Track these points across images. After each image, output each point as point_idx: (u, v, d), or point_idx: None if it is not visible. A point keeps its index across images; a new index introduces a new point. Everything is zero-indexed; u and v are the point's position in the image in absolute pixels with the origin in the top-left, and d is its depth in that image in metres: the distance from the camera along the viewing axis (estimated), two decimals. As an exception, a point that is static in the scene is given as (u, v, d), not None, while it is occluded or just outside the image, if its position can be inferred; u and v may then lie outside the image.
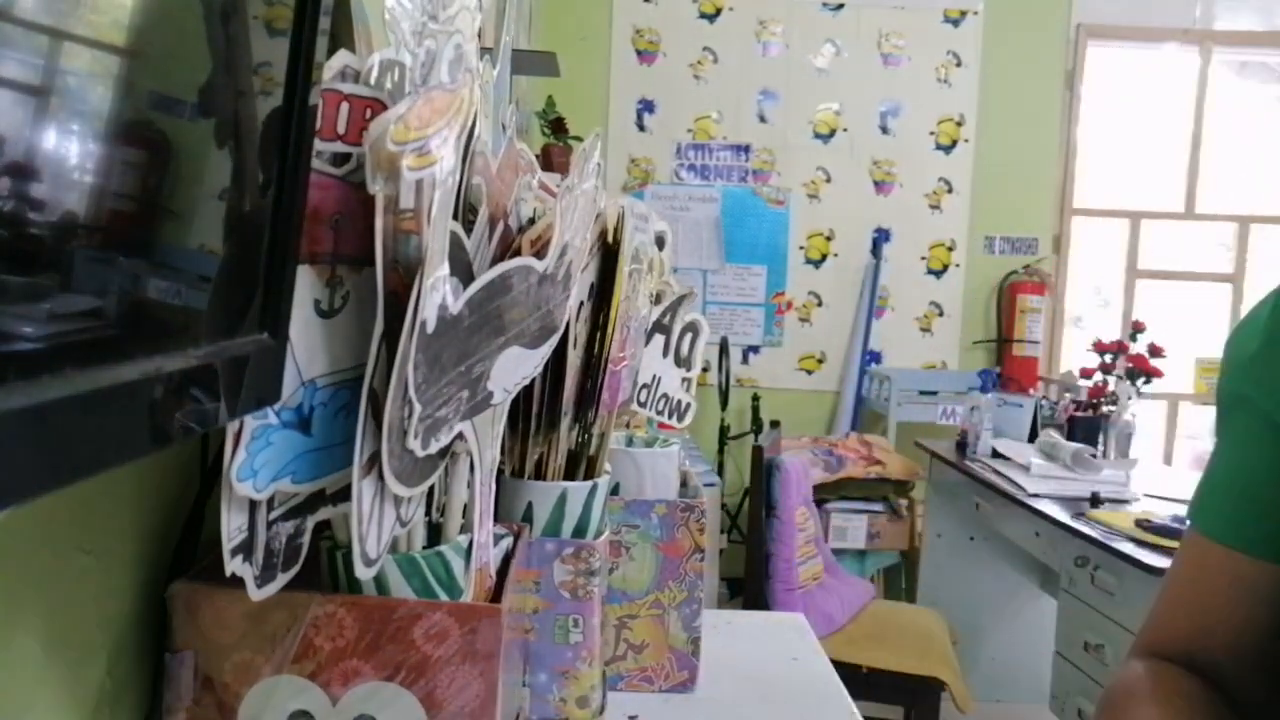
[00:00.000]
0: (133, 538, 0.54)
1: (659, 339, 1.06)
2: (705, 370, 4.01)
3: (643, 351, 0.94)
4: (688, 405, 1.12)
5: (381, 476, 0.47)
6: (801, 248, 4.18)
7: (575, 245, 0.65)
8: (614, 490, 0.93)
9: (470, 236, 0.58)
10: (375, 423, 0.46)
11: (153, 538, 0.56)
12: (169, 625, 0.56)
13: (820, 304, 4.18)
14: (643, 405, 1.05)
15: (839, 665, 2.11)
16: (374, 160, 0.40)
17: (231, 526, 0.42)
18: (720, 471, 3.83)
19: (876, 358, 4.16)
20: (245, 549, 0.44)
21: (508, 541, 0.72)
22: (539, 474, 0.78)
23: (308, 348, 0.46)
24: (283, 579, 0.48)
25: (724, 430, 3.88)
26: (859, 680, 2.17)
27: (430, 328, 0.47)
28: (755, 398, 3.99)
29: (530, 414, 0.71)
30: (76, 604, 0.51)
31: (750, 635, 1.10)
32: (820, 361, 4.19)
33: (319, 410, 0.48)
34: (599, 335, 0.75)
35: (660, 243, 1.05)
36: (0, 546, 0.43)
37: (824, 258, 4.18)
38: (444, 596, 0.60)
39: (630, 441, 1.02)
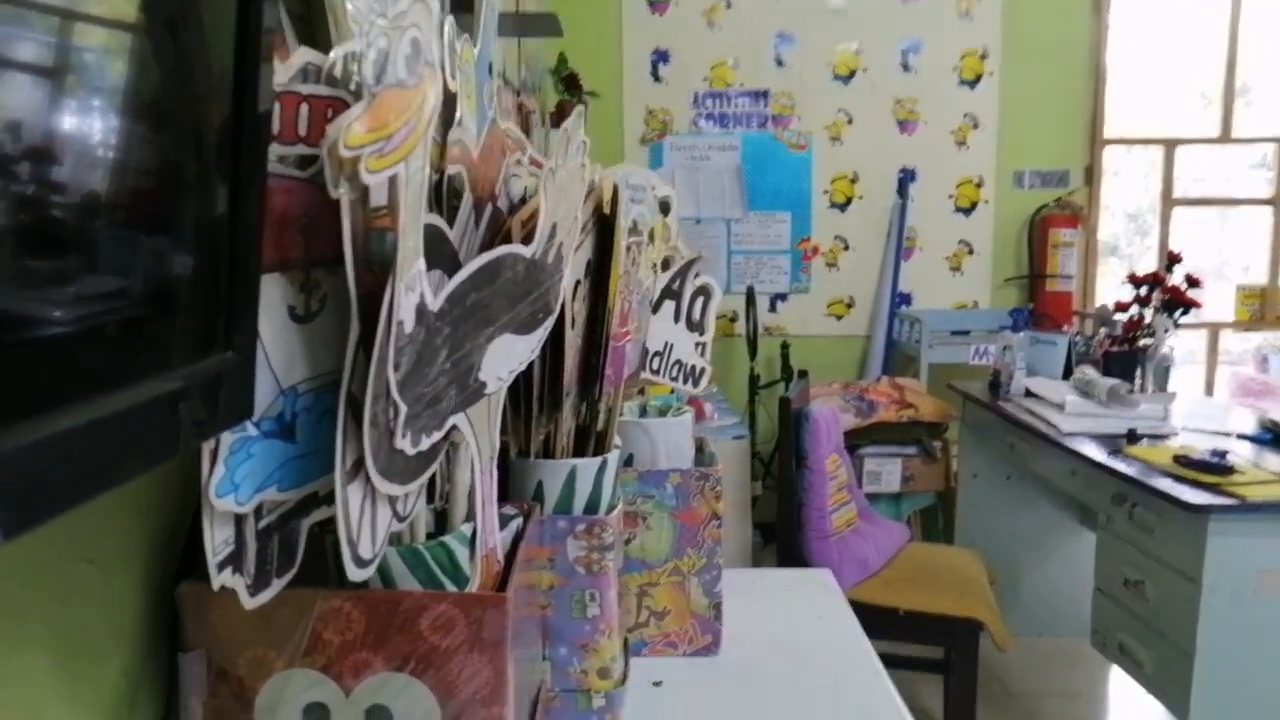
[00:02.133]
0: (136, 545, 0.55)
1: (669, 305, 1.05)
2: (733, 320, 4.00)
3: (649, 321, 0.93)
4: (702, 370, 1.11)
5: (369, 479, 0.47)
6: (825, 192, 4.11)
7: (565, 226, 0.63)
8: (628, 461, 0.93)
9: (454, 225, 0.57)
10: (357, 426, 0.45)
11: (157, 544, 0.57)
12: (180, 626, 0.57)
13: (847, 248, 4.13)
14: (655, 373, 1.04)
15: (876, 610, 2.12)
16: (332, 165, 0.39)
17: (217, 541, 0.42)
18: (752, 421, 3.82)
19: (906, 300, 4.11)
20: (234, 560, 0.44)
21: (518, 522, 0.72)
22: (547, 452, 0.78)
23: (285, 355, 0.46)
24: (278, 584, 0.48)
25: (754, 380, 3.86)
26: (897, 623, 2.17)
27: (408, 327, 0.47)
28: (784, 346, 3.97)
29: (531, 396, 0.71)
30: (84, 613, 0.52)
31: (776, 594, 1.10)
32: (849, 306, 4.14)
33: (302, 416, 0.48)
34: (599, 312, 0.74)
35: (665, 207, 1.04)
36: (5, 562, 0.44)
37: (849, 201, 4.12)
38: (450, 585, 0.60)
39: (644, 411, 1.02)
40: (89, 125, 0.31)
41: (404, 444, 0.50)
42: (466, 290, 0.52)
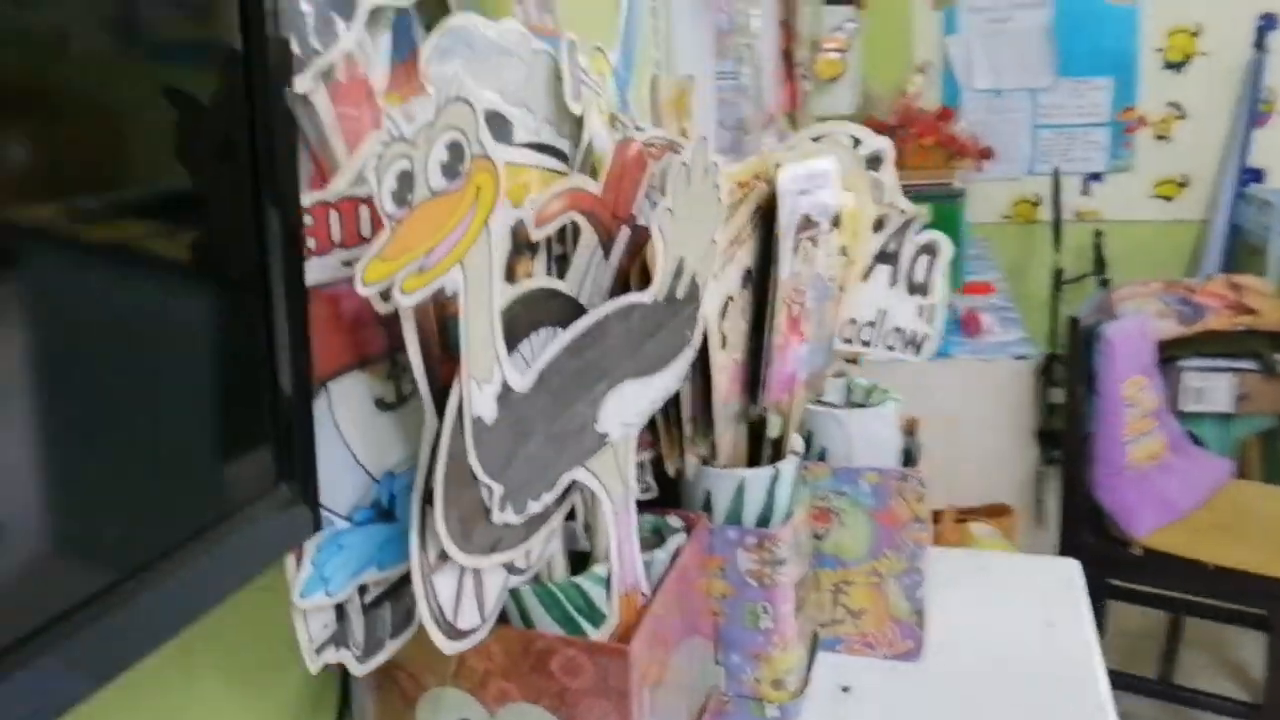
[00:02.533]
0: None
1: (882, 270, 0.96)
2: (1035, 204, 3.63)
3: (834, 312, 0.85)
4: (926, 336, 1.01)
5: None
6: (1158, 50, 3.53)
7: (698, 255, 0.58)
8: (821, 455, 0.88)
9: (570, 271, 0.55)
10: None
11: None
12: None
13: (1182, 116, 3.54)
14: (867, 345, 0.96)
15: (1178, 561, 1.89)
16: (368, 292, 0.38)
17: (312, 630, 0.45)
18: (1054, 322, 3.48)
19: (1257, 176, 3.48)
20: (335, 639, 0.47)
21: (679, 539, 0.70)
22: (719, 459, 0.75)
23: (375, 445, 0.47)
24: (394, 644, 0.50)
25: (1057, 275, 3.49)
26: (1204, 579, 1.92)
27: (489, 420, 0.46)
28: (1097, 234, 3.53)
29: (682, 418, 0.68)
30: (266, 631, 0.58)
31: (1006, 587, 1.00)
32: (1182, 186, 3.59)
33: (401, 496, 0.48)
34: (762, 320, 0.69)
35: (876, 161, 0.93)
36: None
37: (1187, 59, 3.51)
38: (586, 624, 0.61)
39: (849, 391, 0.95)
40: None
41: (507, 516, 0.50)
42: (564, 361, 0.50)
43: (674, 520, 0.75)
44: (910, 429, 0.94)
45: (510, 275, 0.53)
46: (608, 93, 0.62)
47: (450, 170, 0.39)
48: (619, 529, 0.60)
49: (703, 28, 1.61)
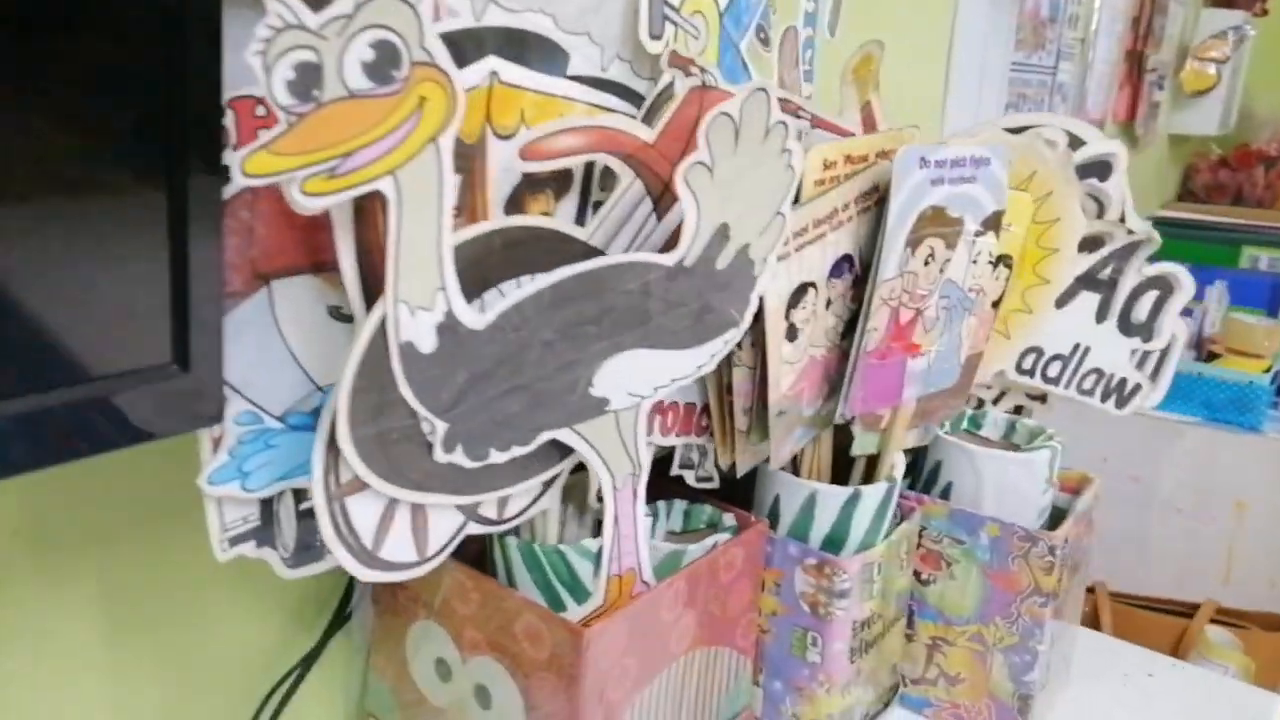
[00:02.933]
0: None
1: (1088, 298, 0.81)
2: None
3: (982, 329, 0.72)
4: (1136, 388, 0.84)
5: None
6: None
7: (754, 227, 0.51)
8: (944, 492, 0.76)
9: (599, 219, 0.50)
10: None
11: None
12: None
13: None
14: (1052, 382, 0.82)
15: None
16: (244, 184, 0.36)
17: (225, 519, 0.45)
18: None
19: None
20: (259, 538, 0.47)
21: (722, 537, 0.64)
22: (795, 468, 0.68)
23: (322, 353, 0.46)
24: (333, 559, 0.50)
25: None
26: None
27: (424, 347, 0.43)
28: None
29: (735, 409, 0.61)
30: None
31: (1163, 708, 0.83)
32: None
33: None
34: (862, 318, 0.60)
35: (1105, 169, 0.78)
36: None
37: None
38: (568, 598, 0.57)
39: (1011, 430, 0.81)
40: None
41: (456, 458, 0.47)
42: (541, 309, 0.46)
43: (729, 518, 0.69)
44: (1077, 488, 0.79)
45: (520, 209, 0.49)
46: (705, 38, 0.56)
47: (378, 72, 0.37)
48: (618, 505, 0.56)
49: (1001, 8, 1.45)
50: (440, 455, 0.47)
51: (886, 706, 0.76)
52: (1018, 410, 0.91)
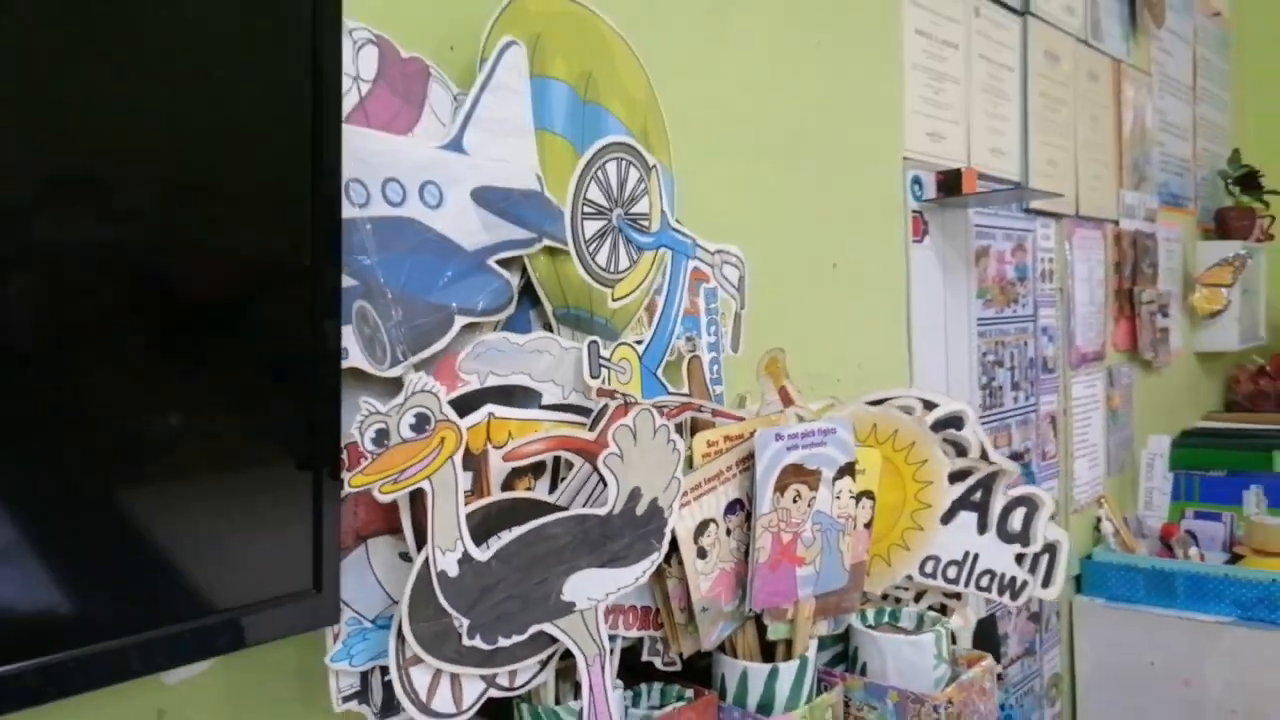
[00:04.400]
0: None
1: (967, 516, 1.08)
2: None
3: (856, 544, 1.00)
4: (1024, 583, 1.09)
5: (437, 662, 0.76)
6: None
7: (657, 487, 0.83)
8: (863, 669, 1.01)
9: (563, 487, 0.83)
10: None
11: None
12: None
13: None
14: (953, 582, 1.08)
15: None
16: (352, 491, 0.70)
17: (340, 684, 0.76)
18: None
19: None
20: (359, 697, 0.78)
21: (680, 705, 0.91)
22: (734, 652, 0.95)
23: (394, 581, 0.79)
24: (420, 716, 0.79)
25: None
26: None
27: (452, 573, 0.75)
28: None
29: (672, 609, 0.90)
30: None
31: None
32: None
33: (416, 616, 0.79)
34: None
35: (958, 421, 1.08)
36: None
37: None
38: (559, 749, 0.85)
39: (922, 622, 1.06)
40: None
41: (476, 643, 0.78)
42: (520, 545, 0.78)
43: (690, 693, 0.96)
44: (970, 663, 1.03)
45: (511, 488, 0.83)
46: (631, 374, 0.91)
47: (419, 428, 0.72)
48: (591, 677, 0.84)
49: (953, 282, 1.79)
50: (466, 641, 0.77)
51: None
52: (942, 609, 1.15)
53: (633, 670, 0.95)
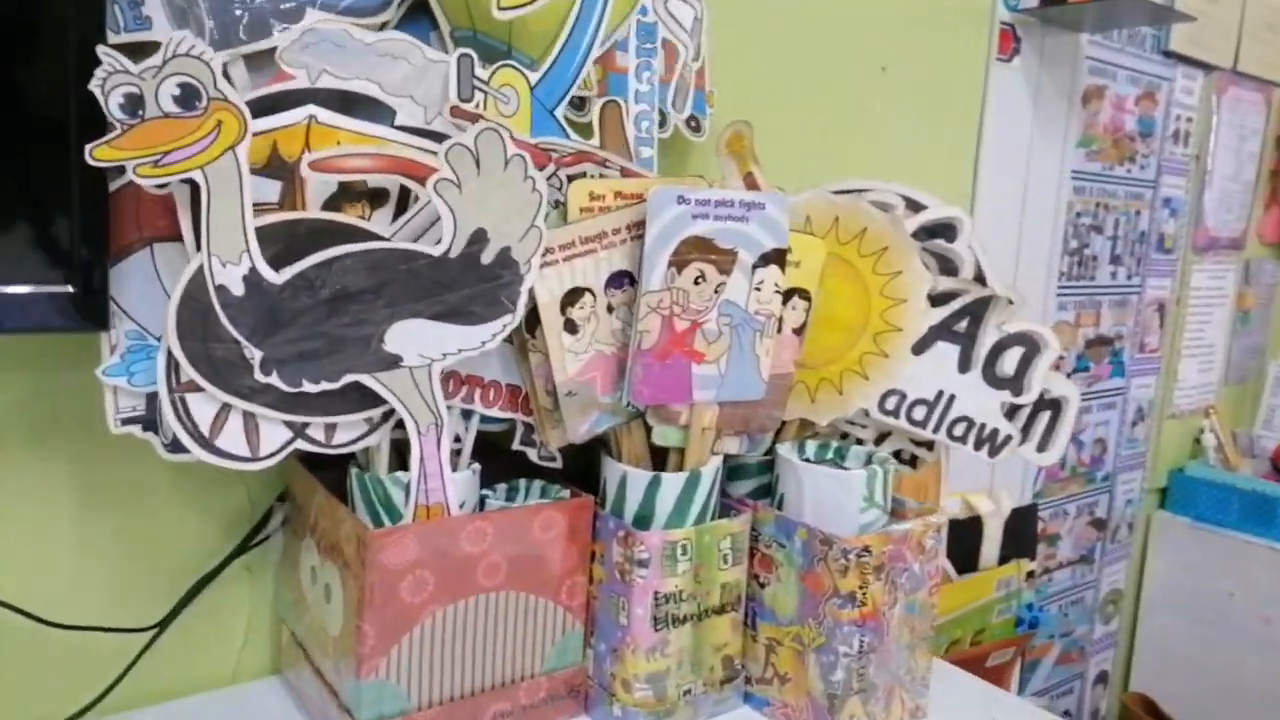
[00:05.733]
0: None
1: (947, 349, 0.89)
2: None
3: (773, 348, 0.83)
4: (1007, 438, 0.90)
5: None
6: None
7: (508, 233, 0.69)
8: (779, 501, 0.86)
9: (403, 221, 0.70)
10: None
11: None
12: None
13: None
14: (919, 424, 0.90)
15: None
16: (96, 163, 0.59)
17: (118, 404, 0.68)
18: None
19: None
20: (143, 422, 0.69)
21: (541, 502, 0.79)
22: (618, 454, 0.82)
23: (191, 299, 0.68)
24: (200, 452, 0.70)
25: None
26: None
27: (236, 291, 0.64)
28: None
29: (537, 392, 0.77)
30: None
31: None
32: None
33: (215, 344, 0.69)
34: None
35: (950, 230, 0.88)
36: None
37: None
38: (386, 519, 0.74)
39: (836, 453, 0.89)
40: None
41: (274, 381, 0.67)
42: (324, 274, 0.66)
43: (564, 492, 0.84)
44: (911, 515, 0.86)
45: (339, 211, 0.70)
46: (516, 104, 0.75)
47: (185, 103, 0.59)
48: (423, 447, 0.73)
49: (1050, 118, 1.51)
50: (259, 376, 0.67)
51: (722, 692, 0.85)
52: (912, 461, 0.98)
53: (517, 466, 0.84)
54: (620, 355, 0.77)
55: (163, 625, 0.81)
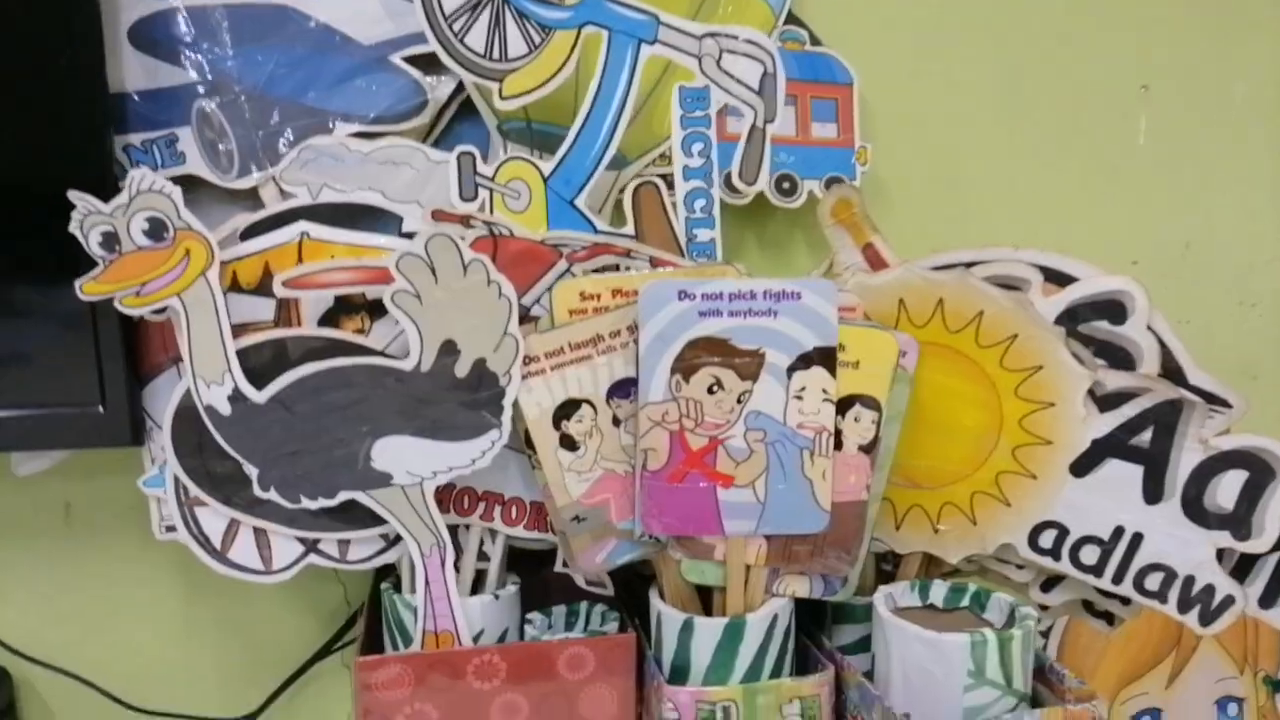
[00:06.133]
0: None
1: (1124, 469, 0.65)
2: None
3: (829, 457, 0.65)
4: (1226, 601, 0.64)
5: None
6: None
7: (480, 344, 0.62)
8: (875, 663, 0.67)
9: (393, 334, 0.68)
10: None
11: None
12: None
13: None
14: (1091, 571, 0.67)
15: None
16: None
17: (162, 511, 0.72)
18: None
19: None
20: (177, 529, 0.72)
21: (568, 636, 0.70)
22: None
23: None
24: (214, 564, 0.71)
25: None
26: None
27: (224, 411, 0.65)
28: None
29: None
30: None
31: None
32: None
33: (240, 457, 0.71)
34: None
35: (1116, 311, 0.65)
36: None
37: None
38: (401, 642, 0.71)
39: (974, 599, 0.68)
40: None
41: (273, 496, 0.67)
42: (301, 392, 0.64)
43: (606, 622, 0.74)
44: (1079, 698, 0.63)
45: (336, 327, 0.68)
46: (527, 199, 0.68)
47: (155, 235, 0.61)
48: (428, 570, 0.68)
49: None
50: (259, 491, 0.67)
51: None
52: (1108, 619, 0.73)
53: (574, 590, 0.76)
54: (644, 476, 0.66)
55: (257, 714, 0.85)
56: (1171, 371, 0.64)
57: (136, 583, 0.83)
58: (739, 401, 0.62)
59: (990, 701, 0.62)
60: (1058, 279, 0.66)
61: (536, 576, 0.75)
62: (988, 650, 0.61)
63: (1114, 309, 0.65)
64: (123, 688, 0.82)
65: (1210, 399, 0.64)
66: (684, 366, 0.62)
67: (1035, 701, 0.65)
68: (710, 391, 0.62)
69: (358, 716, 0.67)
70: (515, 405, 0.64)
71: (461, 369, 0.63)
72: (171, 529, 0.72)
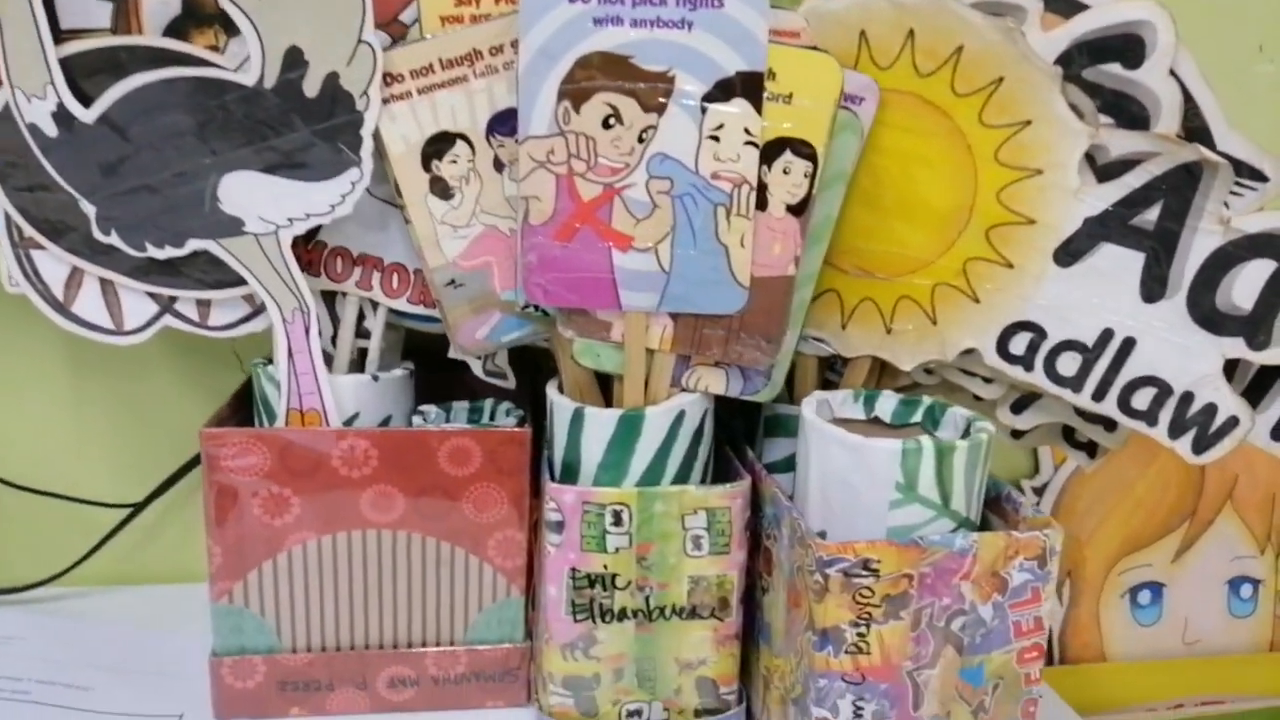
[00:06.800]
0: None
1: (1121, 256, 0.53)
2: None
3: (744, 215, 0.53)
4: (1229, 423, 0.52)
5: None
6: None
7: (324, 55, 0.51)
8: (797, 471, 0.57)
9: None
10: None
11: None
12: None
13: None
14: (1068, 385, 0.55)
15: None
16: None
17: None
18: None
19: None
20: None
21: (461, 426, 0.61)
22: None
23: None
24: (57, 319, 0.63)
25: None
26: None
27: (50, 132, 0.55)
28: None
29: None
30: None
31: None
32: None
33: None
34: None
35: (1133, 49, 0.51)
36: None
37: None
38: (264, 416, 0.63)
39: (928, 414, 0.56)
40: None
41: (114, 241, 0.58)
42: (131, 111, 0.54)
43: (509, 417, 0.65)
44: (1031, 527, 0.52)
45: (185, 39, 0.57)
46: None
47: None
48: (290, 338, 0.59)
49: None
50: (98, 234, 0.58)
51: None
52: (1090, 450, 0.61)
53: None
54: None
55: (144, 506, 0.78)
56: (1195, 131, 0.51)
57: (19, 352, 0.76)
58: (640, 140, 0.51)
59: (921, 522, 0.51)
60: (1062, 6, 0.52)
61: (454, 374, 0.66)
62: (921, 460, 0.50)
63: (1130, 47, 0.51)
64: (4, 466, 0.76)
65: (1240, 170, 0.50)
66: (574, 91, 0.50)
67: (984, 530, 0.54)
68: (606, 125, 0.50)
69: (208, 495, 0.59)
70: (377, 137, 0.53)
71: (310, 86, 0.52)
72: (18, 283, 0.64)
